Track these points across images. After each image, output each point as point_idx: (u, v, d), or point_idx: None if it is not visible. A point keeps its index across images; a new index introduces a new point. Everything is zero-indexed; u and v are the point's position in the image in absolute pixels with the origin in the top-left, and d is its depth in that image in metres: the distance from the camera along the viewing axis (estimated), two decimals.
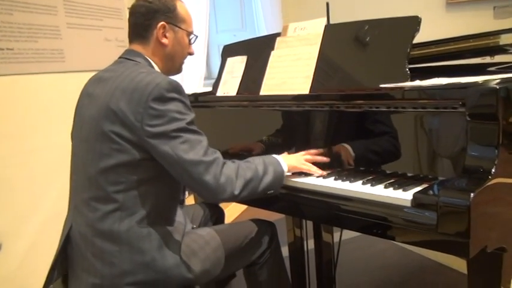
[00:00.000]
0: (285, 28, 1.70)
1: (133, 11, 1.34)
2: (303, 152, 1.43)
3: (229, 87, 1.82)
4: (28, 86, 1.90)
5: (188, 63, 2.91)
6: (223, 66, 1.91)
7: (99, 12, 2.24)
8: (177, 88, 1.19)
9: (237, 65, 1.83)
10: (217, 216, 1.75)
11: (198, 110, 1.90)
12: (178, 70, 1.45)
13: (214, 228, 1.45)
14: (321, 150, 1.42)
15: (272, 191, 1.31)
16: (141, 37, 1.34)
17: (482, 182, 1.00)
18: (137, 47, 1.35)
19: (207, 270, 1.31)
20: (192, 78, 2.99)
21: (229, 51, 1.93)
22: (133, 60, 1.31)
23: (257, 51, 1.77)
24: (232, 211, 3.27)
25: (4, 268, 1.84)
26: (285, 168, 1.33)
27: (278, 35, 1.72)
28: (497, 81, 1.11)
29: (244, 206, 3.19)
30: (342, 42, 1.52)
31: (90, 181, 1.22)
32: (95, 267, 1.21)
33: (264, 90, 1.65)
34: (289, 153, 1.45)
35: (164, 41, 1.34)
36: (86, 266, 1.23)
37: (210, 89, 1.99)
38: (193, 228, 1.42)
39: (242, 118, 1.74)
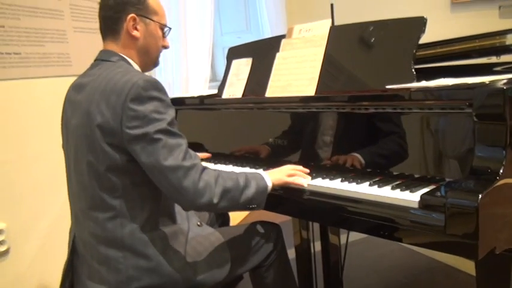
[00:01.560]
0: (290, 30, 1.70)
1: (102, 4, 1.31)
2: (287, 166, 1.39)
3: (234, 89, 1.82)
4: (35, 90, 1.92)
5: (193, 65, 2.94)
6: (228, 69, 1.91)
7: None
8: (155, 85, 1.17)
9: (242, 67, 1.84)
10: (222, 220, 1.75)
11: (204, 112, 1.91)
12: (154, 63, 1.41)
13: (220, 230, 1.45)
14: (305, 170, 1.38)
15: (255, 206, 1.27)
16: (112, 31, 1.30)
17: (490, 183, 1.00)
18: (110, 45, 1.31)
19: (213, 273, 1.31)
20: (197, 81, 3.00)
21: (234, 53, 1.94)
22: (109, 61, 1.28)
23: (262, 53, 1.77)
24: (238, 214, 3.27)
25: (13, 272, 1.85)
26: (269, 184, 1.29)
27: (283, 37, 1.72)
28: (504, 81, 1.10)
29: None
30: (347, 43, 1.51)
31: (85, 190, 1.21)
32: (101, 274, 1.21)
33: (270, 93, 1.65)
34: (293, 156, 1.44)
35: (135, 33, 1.30)
36: (91, 274, 1.23)
37: (215, 91, 1.99)
38: (198, 225, 1.41)
39: (248, 120, 1.74)
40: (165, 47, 1.41)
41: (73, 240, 1.30)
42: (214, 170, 1.22)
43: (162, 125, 1.14)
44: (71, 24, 2.05)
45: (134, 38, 1.31)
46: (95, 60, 1.33)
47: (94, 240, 1.21)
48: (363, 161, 1.34)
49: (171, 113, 1.18)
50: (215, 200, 1.16)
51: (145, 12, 1.31)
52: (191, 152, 1.19)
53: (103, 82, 1.19)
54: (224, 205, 1.19)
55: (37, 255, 1.93)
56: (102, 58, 1.30)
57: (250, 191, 1.24)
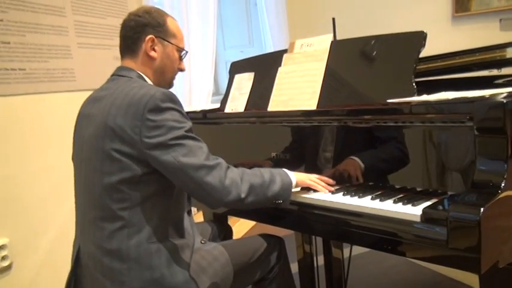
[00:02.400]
0: (292, 45, 1.72)
1: (123, 25, 1.36)
2: (314, 175, 1.42)
3: (237, 103, 1.84)
4: (40, 105, 1.94)
5: (196, 79, 2.96)
6: (231, 83, 1.92)
7: (109, 31, 2.29)
8: (172, 98, 1.20)
9: (244, 81, 1.85)
10: (225, 234, 1.75)
11: (207, 126, 1.92)
12: (169, 85, 1.45)
13: (223, 243, 1.45)
14: (330, 181, 1.41)
15: (281, 201, 1.30)
16: (131, 50, 1.35)
17: (492, 197, 1.00)
18: (128, 62, 1.36)
19: (216, 286, 1.30)
20: (200, 95, 3.02)
21: (236, 67, 1.95)
22: (125, 76, 1.32)
23: (264, 67, 1.79)
24: (241, 228, 3.26)
25: (15, 286, 1.85)
26: (293, 180, 1.33)
27: (285, 51, 1.73)
28: (504, 94, 1.11)
29: (253, 223, 3.17)
30: (349, 57, 1.53)
31: (95, 201, 1.22)
32: (105, 286, 1.20)
33: (272, 107, 1.66)
34: (295, 170, 1.45)
35: (152, 54, 1.34)
36: (95, 287, 1.23)
37: (218, 105, 2.00)
38: (202, 242, 1.42)
39: (250, 135, 1.75)
40: (181, 70, 1.45)
41: (77, 252, 1.30)
42: (238, 168, 1.26)
43: (181, 132, 1.17)
44: (75, 40, 2.08)
45: (151, 58, 1.35)
46: (112, 75, 1.36)
47: (99, 252, 1.21)
48: (363, 168, 1.35)
49: (189, 123, 1.22)
50: (243, 195, 1.20)
51: (164, 34, 1.36)
52: (213, 155, 1.22)
53: (120, 95, 1.21)
54: (251, 200, 1.23)
55: (40, 270, 1.93)
56: (119, 74, 1.34)
57: (276, 186, 1.28)
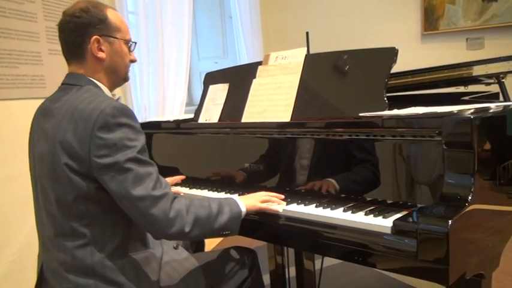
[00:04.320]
0: (267, 57, 1.73)
1: (61, 28, 1.26)
2: (262, 192, 1.40)
3: (211, 114, 1.83)
4: (8, 112, 1.89)
5: (170, 88, 2.94)
6: (205, 94, 1.92)
7: None
8: (123, 111, 1.14)
9: (219, 92, 1.85)
10: (197, 245, 1.73)
11: (180, 136, 1.91)
12: (124, 80, 1.37)
13: (195, 255, 1.44)
14: (280, 196, 1.40)
15: (229, 232, 1.26)
16: (76, 55, 1.26)
17: (460, 210, 1.03)
18: (76, 68, 1.27)
19: None
20: (173, 104, 3.00)
21: (211, 78, 1.95)
22: (75, 85, 1.24)
23: (239, 79, 1.80)
24: (213, 239, 3.23)
25: None
26: (243, 209, 1.29)
27: (260, 63, 1.74)
28: (472, 110, 1.15)
29: None
30: (322, 71, 1.55)
31: (53, 218, 1.18)
32: None
33: (246, 118, 1.66)
34: (268, 181, 1.45)
35: (101, 55, 1.26)
36: None
37: (191, 115, 1.99)
38: (174, 247, 1.39)
39: (224, 145, 1.75)
40: (133, 61, 1.37)
41: (41, 268, 1.26)
42: (186, 198, 1.21)
43: (132, 153, 1.12)
44: (46, 46, 2.04)
45: (100, 60, 1.27)
46: (62, 84, 1.29)
47: (63, 269, 1.17)
48: (337, 186, 1.36)
49: (141, 140, 1.16)
50: (187, 229, 1.15)
51: (108, 31, 1.27)
52: (162, 180, 1.17)
53: (70, 109, 1.16)
54: (196, 233, 1.18)
55: (2, 282, 1.86)
56: (69, 82, 1.26)
57: (224, 218, 1.23)
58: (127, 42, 1.33)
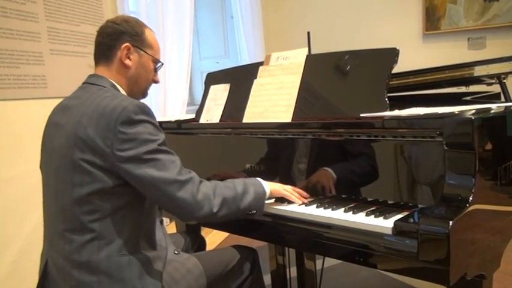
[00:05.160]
0: (268, 57, 1.73)
1: (100, 31, 1.34)
2: (289, 186, 1.42)
3: (212, 114, 1.83)
4: (9, 112, 1.89)
5: (171, 89, 2.94)
6: (206, 94, 1.92)
7: (83, 38, 2.26)
8: (145, 110, 1.18)
9: (220, 92, 1.85)
10: (198, 245, 1.74)
11: (181, 136, 1.91)
12: (143, 95, 1.43)
13: (196, 255, 1.44)
14: (304, 193, 1.41)
15: (254, 212, 1.30)
16: (105, 57, 1.32)
17: (461, 210, 1.03)
18: (101, 70, 1.33)
19: None
20: (174, 104, 3.00)
21: (212, 79, 1.95)
22: (97, 85, 1.29)
23: (240, 79, 1.80)
24: (214, 238, 3.24)
25: None
26: (267, 190, 1.33)
27: (261, 63, 1.74)
28: (473, 111, 1.15)
29: (226, 234, 3.16)
30: (324, 72, 1.55)
31: (64, 212, 1.19)
32: None
33: (247, 118, 1.66)
34: (269, 181, 1.45)
35: (127, 62, 1.32)
36: None
37: (192, 115, 2.00)
38: (175, 253, 1.40)
39: (225, 146, 1.75)
40: (155, 82, 1.44)
41: (45, 264, 1.26)
42: (211, 182, 1.25)
43: (154, 145, 1.16)
44: (47, 46, 2.04)
45: (126, 67, 1.32)
46: (83, 83, 1.33)
47: (68, 265, 1.18)
48: (336, 181, 1.36)
49: (162, 136, 1.20)
50: (215, 209, 1.20)
51: (140, 44, 1.34)
52: (186, 168, 1.21)
53: (91, 106, 1.19)
54: (224, 213, 1.23)
55: (4, 282, 1.86)
56: (91, 82, 1.31)
57: (249, 197, 1.28)
58: (155, 61, 1.40)
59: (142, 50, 1.35)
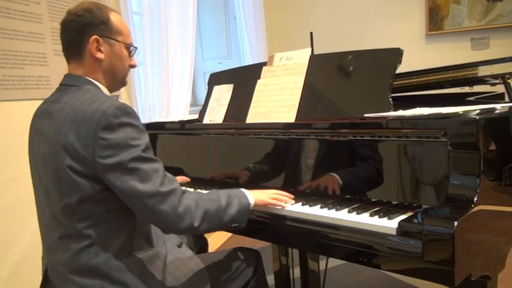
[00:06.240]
0: (271, 58, 1.73)
1: (63, 27, 1.26)
2: (272, 190, 1.41)
3: (215, 114, 1.84)
4: (13, 113, 1.89)
5: (174, 89, 2.94)
6: (209, 94, 1.92)
7: None
8: (125, 111, 1.14)
9: (223, 93, 1.85)
10: (200, 245, 1.74)
11: (185, 137, 1.91)
12: (122, 83, 1.36)
13: (199, 256, 1.44)
14: (290, 195, 1.41)
15: (237, 224, 1.27)
16: (75, 54, 1.25)
17: (465, 211, 1.02)
18: (74, 68, 1.26)
19: None
20: (177, 105, 3.00)
21: (215, 79, 1.96)
22: (74, 86, 1.23)
23: (243, 80, 1.80)
24: (216, 239, 3.24)
25: None
26: (251, 201, 1.30)
27: (264, 64, 1.75)
28: (477, 111, 1.15)
29: (229, 234, 3.16)
30: (327, 72, 1.55)
31: (57, 220, 1.18)
32: None
33: (250, 119, 1.67)
34: (272, 181, 1.45)
35: (99, 55, 1.25)
36: None
37: (196, 116, 2.00)
38: (178, 245, 1.39)
39: (228, 146, 1.75)
40: (132, 67, 1.37)
41: (45, 271, 1.26)
42: (194, 193, 1.22)
43: (137, 152, 1.12)
44: (51, 47, 2.05)
45: (99, 60, 1.26)
46: (60, 85, 1.28)
47: (68, 270, 1.18)
48: (340, 182, 1.36)
49: (145, 138, 1.16)
50: (196, 224, 1.16)
51: (109, 33, 1.26)
52: (169, 176, 1.18)
53: (71, 111, 1.15)
54: (206, 227, 1.20)
55: (7, 282, 1.87)
56: (68, 83, 1.25)
57: (233, 210, 1.24)
58: (128, 46, 1.33)
59: (112, 39, 1.27)
